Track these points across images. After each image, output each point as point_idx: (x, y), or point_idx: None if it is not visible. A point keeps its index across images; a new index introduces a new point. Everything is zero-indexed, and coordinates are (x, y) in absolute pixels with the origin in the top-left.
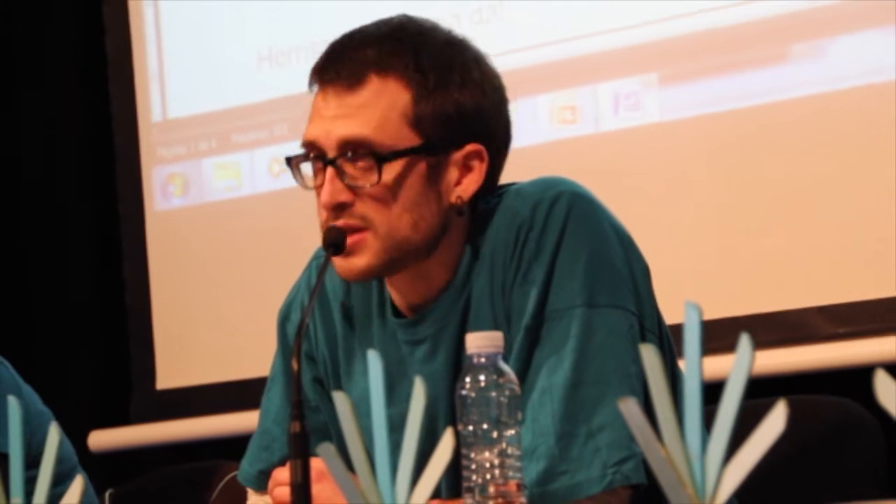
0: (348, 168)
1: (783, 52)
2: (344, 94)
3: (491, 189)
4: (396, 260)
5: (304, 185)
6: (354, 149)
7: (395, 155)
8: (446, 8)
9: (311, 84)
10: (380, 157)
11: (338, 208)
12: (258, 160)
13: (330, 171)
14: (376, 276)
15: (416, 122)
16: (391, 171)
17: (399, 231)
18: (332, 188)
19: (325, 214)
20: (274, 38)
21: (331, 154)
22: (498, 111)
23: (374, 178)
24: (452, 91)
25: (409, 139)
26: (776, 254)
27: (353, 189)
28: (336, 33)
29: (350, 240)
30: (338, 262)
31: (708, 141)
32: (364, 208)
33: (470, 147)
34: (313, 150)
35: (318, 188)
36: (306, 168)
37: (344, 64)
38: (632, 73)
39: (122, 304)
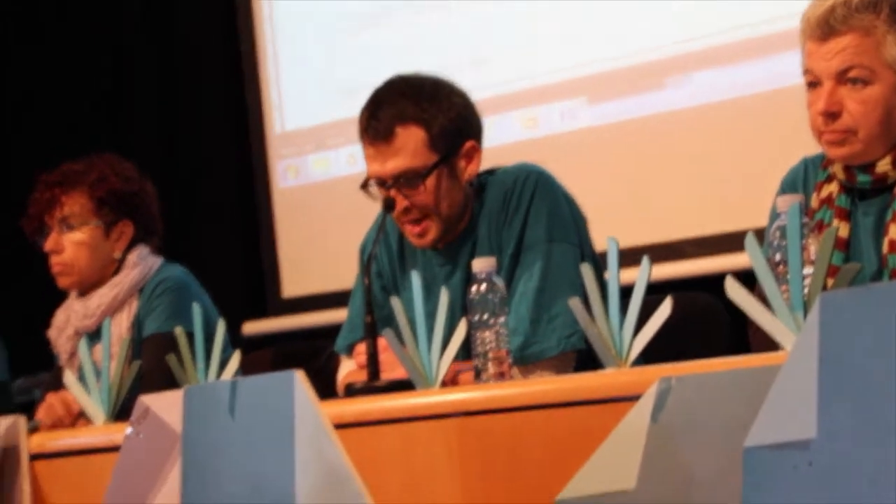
0: (403, 188)
1: (661, 83)
2: (384, 145)
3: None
4: (448, 229)
5: (375, 199)
6: (403, 176)
7: (429, 171)
8: (457, 57)
9: (362, 138)
10: (420, 175)
11: (405, 211)
12: (341, 155)
13: (394, 191)
14: (440, 243)
15: (433, 144)
16: (429, 181)
17: (443, 213)
18: (399, 201)
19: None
20: (352, 78)
21: (390, 182)
22: (471, 111)
23: (421, 189)
24: (444, 113)
25: (432, 158)
26: (664, 205)
27: (409, 198)
28: (387, 74)
29: (420, 227)
30: (415, 240)
31: (619, 137)
32: (420, 207)
33: (467, 145)
34: (378, 181)
35: (388, 197)
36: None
37: (380, 124)
38: (571, 97)
39: (258, 245)
